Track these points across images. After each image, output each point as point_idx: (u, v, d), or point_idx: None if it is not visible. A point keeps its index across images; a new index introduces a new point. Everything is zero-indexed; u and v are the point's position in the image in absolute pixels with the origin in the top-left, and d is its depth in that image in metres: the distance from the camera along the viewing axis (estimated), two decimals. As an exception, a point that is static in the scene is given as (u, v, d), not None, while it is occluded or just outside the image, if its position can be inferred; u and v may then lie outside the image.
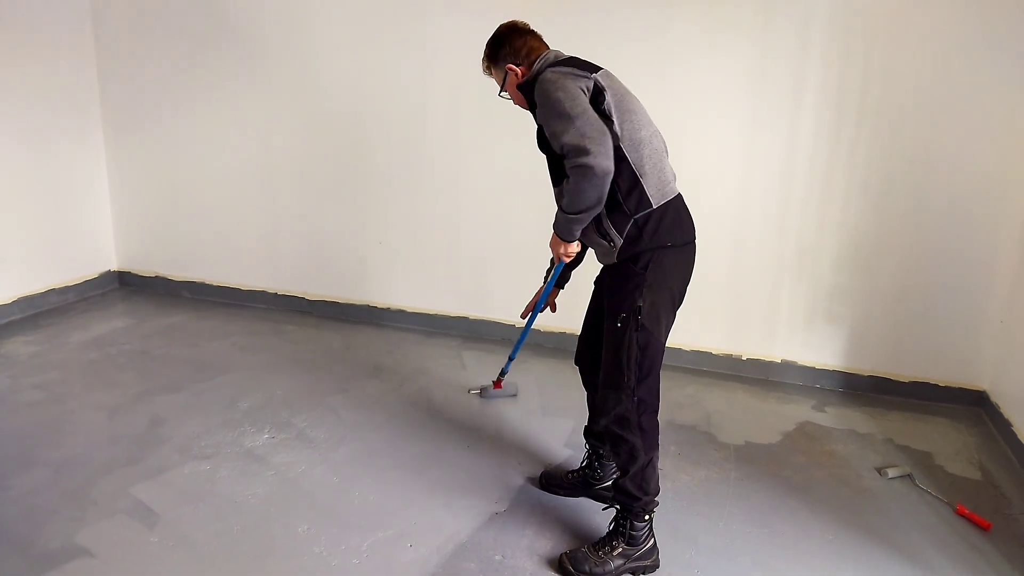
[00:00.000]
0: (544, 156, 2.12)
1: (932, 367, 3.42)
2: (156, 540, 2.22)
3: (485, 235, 3.99)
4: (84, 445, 2.76)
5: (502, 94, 2.23)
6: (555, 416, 3.13)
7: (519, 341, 2.94)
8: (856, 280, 3.44)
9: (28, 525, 2.27)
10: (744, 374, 3.70)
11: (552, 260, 2.42)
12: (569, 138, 1.86)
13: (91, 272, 4.73)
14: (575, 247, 2.13)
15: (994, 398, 3.24)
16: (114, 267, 4.92)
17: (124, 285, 4.93)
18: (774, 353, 3.65)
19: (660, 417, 2.16)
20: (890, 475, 2.71)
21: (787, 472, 2.73)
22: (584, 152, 1.83)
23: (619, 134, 1.95)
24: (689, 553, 2.23)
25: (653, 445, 2.13)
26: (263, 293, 4.60)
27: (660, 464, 2.67)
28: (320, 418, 3.05)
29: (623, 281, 2.06)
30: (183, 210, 4.66)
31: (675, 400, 3.33)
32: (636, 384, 2.05)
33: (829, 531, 2.36)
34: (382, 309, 4.34)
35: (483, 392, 3.30)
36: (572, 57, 2.08)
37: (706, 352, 3.75)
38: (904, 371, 3.46)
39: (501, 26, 2.20)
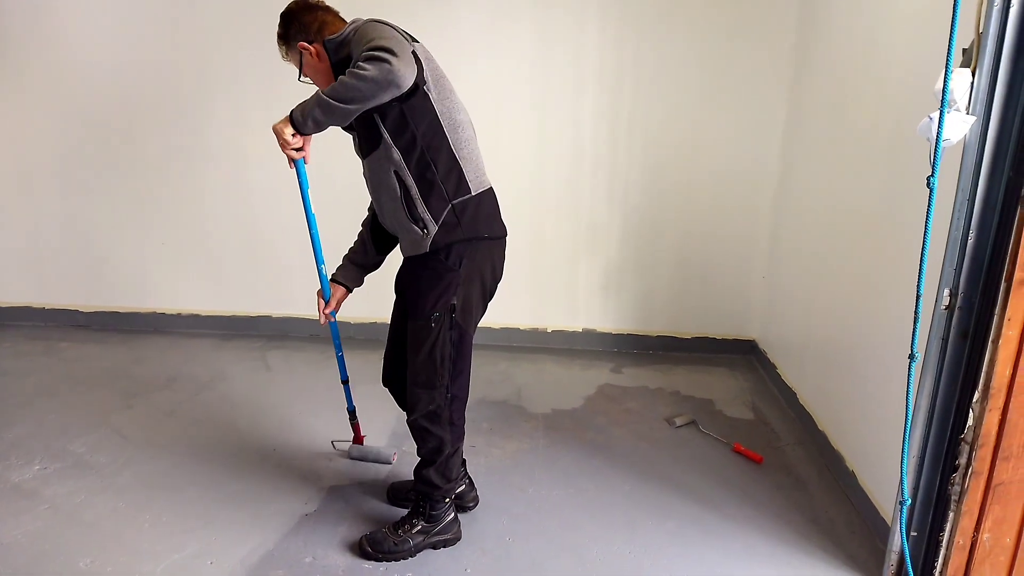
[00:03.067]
0: (353, 135, 1.98)
1: (710, 323, 3.79)
2: None
3: (282, 229, 3.81)
4: None
5: (302, 78, 2.01)
6: (368, 412, 3.06)
7: (340, 359, 2.54)
8: (641, 252, 3.71)
9: None
10: (550, 345, 3.87)
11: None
12: (379, 43, 1.68)
13: None
14: (298, 141, 1.91)
15: (762, 346, 3.65)
16: None
17: None
18: (576, 323, 3.85)
19: (473, 397, 2.18)
20: (677, 424, 2.96)
21: (590, 434, 2.90)
22: (390, 52, 1.65)
23: (438, 111, 1.85)
24: (501, 523, 2.30)
25: (461, 436, 2.14)
26: (29, 309, 4.08)
27: (473, 443, 2.74)
28: (102, 441, 2.76)
29: (434, 279, 1.94)
30: (-85, 221, 4.00)
31: (487, 377, 3.40)
32: (450, 382, 2.02)
33: (627, 483, 2.54)
34: (172, 316, 4.01)
35: (350, 451, 2.68)
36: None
37: (514, 328, 3.87)
38: (687, 329, 3.80)
39: (289, 3, 1.97)
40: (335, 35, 1.88)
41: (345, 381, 2.59)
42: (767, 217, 3.59)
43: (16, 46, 3.68)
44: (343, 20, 1.98)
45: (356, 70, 1.68)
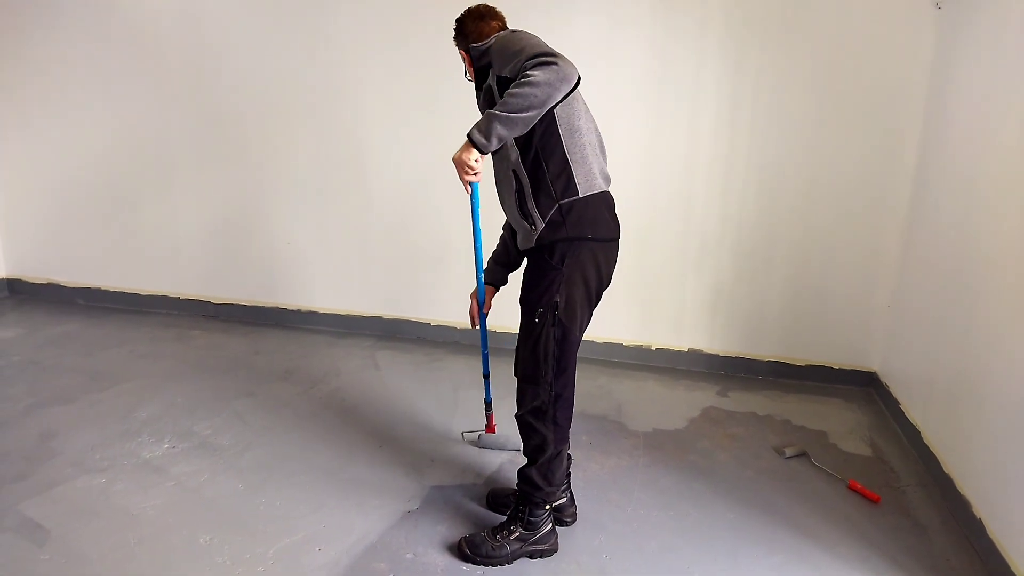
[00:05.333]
0: None
1: (826, 351, 3.60)
2: (46, 558, 2.10)
3: (397, 234, 3.96)
4: (-36, 464, 2.59)
5: (467, 77, 2.14)
6: (472, 415, 3.12)
7: (484, 355, 2.70)
8: (754, 272, 3.58)
9: (-102, 552, 2.10)
10: (653, 363, 3.80)
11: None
12: (537, 50, 1.80)
13: (-26, 280, 4.44)
14: (480, 164, 1.89)
15: (884, 379, 3.44)
16: (3, 274, 4.62)
17: (14, 293, 4.64)
18: (681, 342, 3.76)
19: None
20: (787, 454, 2.84)
21: (692, 456, 2.82)
22: (552, 54, 1.77)
23: (557, 115, 1.93)
24: (598, 539, 2.27)
25: (564, 439, 2.16)
26: (165, 298, 4.42)
27: (572, 454, 2.72)
28: (225, 425, 2.95)
29: (540, 276, 2.04)
30: (75, 212, 4.42)
31: (587, 391, 3.39)
32: (554, 379, 2.06)
33: (731, 511, 2.45)
34: (292, 311, 4.24)
35: (479, 440, 2.86)
36: None
37: (617, 343, 3.84)
38: (800, 355, 3.63)
39: (464, 10, 2.13)
40: (480, 43, 2.02)
41: (486, 375, 2.76)
42: (894, 242, 3.39)
43: (164, 50, 4.02)
44: (503, 29, 2.10)
45: (527, 77, 1.76)
